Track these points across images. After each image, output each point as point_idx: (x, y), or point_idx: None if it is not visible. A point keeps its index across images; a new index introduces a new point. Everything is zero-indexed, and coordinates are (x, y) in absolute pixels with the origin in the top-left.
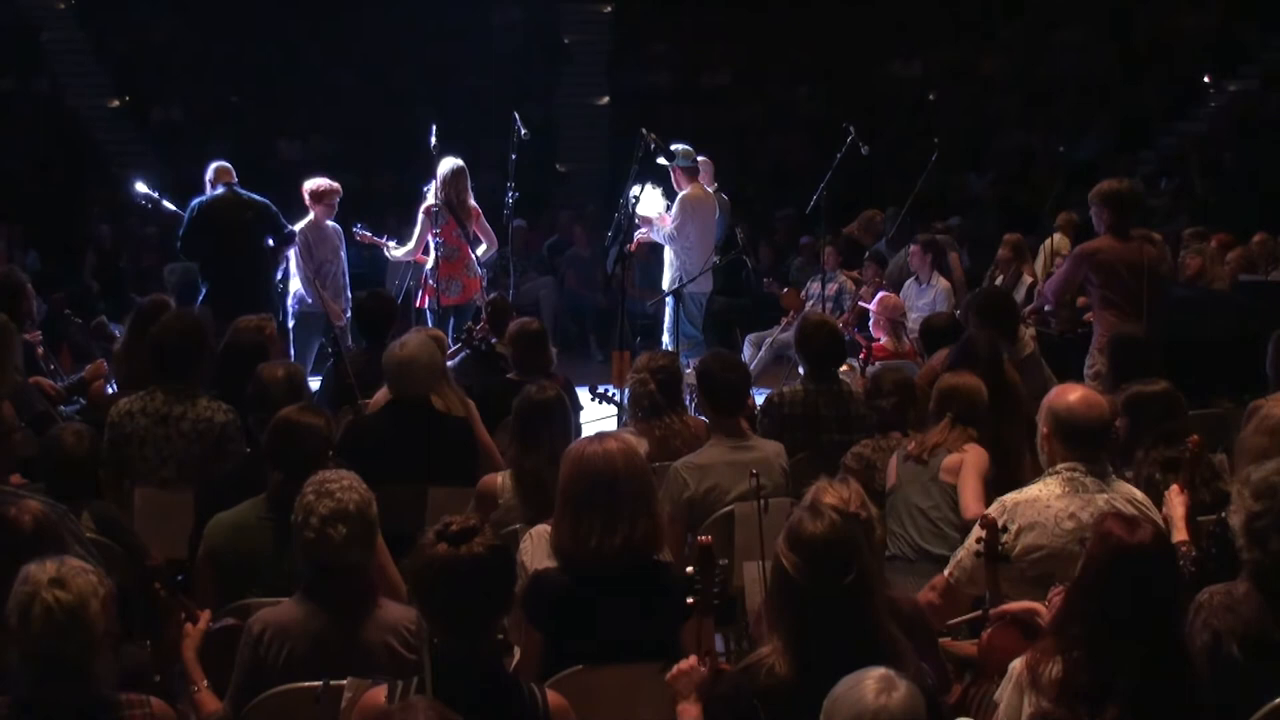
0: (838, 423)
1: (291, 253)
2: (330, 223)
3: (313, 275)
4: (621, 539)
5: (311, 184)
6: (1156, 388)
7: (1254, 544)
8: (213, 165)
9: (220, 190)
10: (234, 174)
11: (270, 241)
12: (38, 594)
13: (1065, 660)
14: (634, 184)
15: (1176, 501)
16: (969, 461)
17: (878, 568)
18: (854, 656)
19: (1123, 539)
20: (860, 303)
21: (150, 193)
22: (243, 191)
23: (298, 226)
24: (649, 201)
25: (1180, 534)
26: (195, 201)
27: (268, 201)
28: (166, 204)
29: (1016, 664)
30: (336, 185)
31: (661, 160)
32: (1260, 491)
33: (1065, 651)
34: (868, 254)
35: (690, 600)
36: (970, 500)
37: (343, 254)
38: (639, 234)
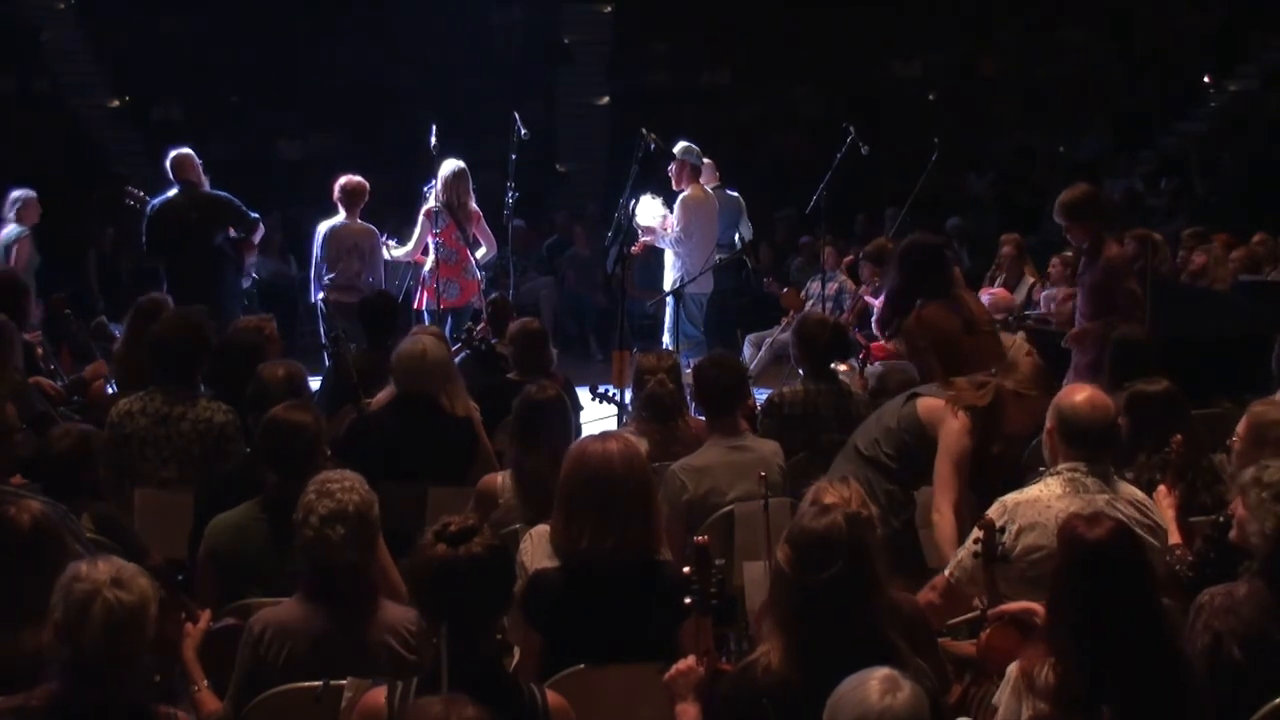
0: (838, 422)
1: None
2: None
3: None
4: (614, 542)
5: (340, 181)
6: (1158, 387)
7: None
8: (171, 155)
9: (172, 192)
10: (193, 163)
11: (232, 233)
12: (99, 592)
13: (1057, 664)
14: (632, 189)
15: (1165, 503)
16: (948, 435)
17: (880, 567)
18: (849, 653)
19: (1084, 536)
20: (866, 298)
21: (137, 192)
22: (199, 188)
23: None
24: (646, 210)
25: (1173, 537)
26: (149, 206)
27: (221, 195)
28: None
29: (1012, 668)
30: (361, 184)
31: (675, 150)
32: None
33: (1056, 655)
34: (863, 254)
35: (687, 600)
36: (938, 495)
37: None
38: (644, 239)
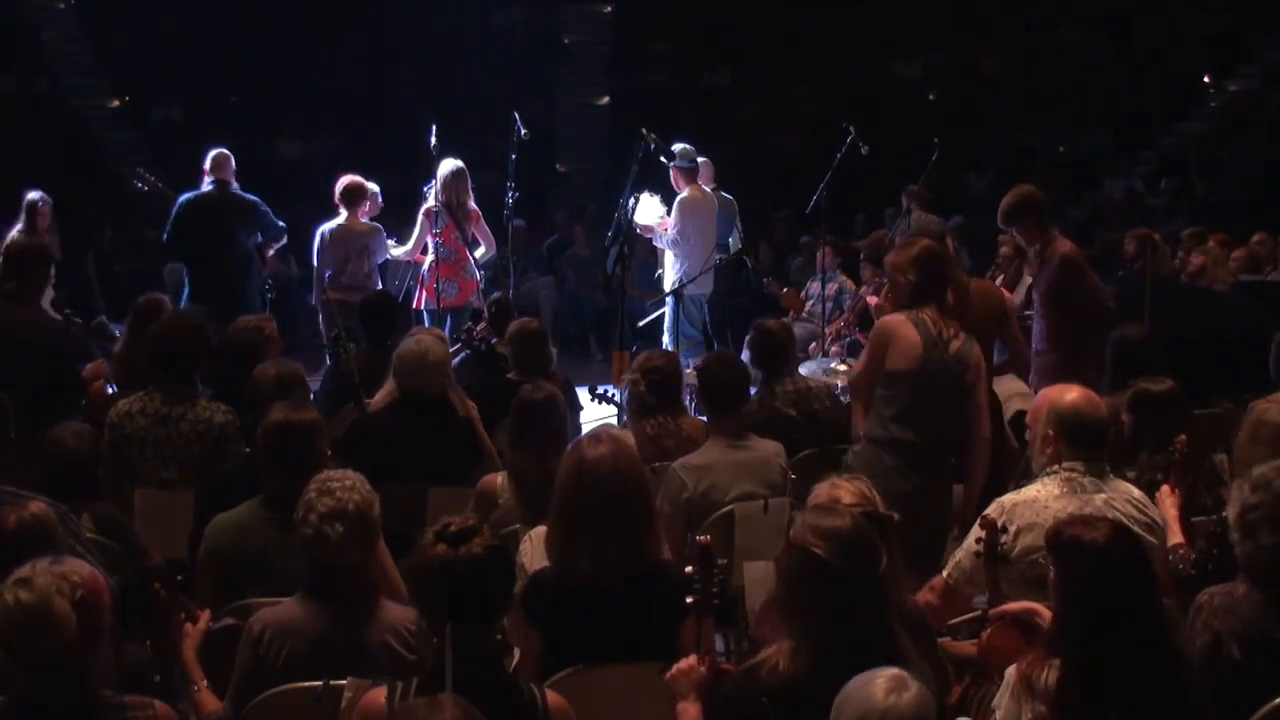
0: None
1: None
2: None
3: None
4: (612, 559)
5: (341, 183)
6: (1162, 387)
7: (1245, 535)
8: (211, 154)
9: (207, 188)
10: (231, 164)
11: (260, 238)
12: (2, 594)
13: (1060, 667)
14: (632, 189)
15: (1168, 503)
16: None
17: (893, 567)
18: (866, 655)
19: (1081, 539)
20: (866, 298)
21: (148, 175)
22: (233, 188)
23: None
24: (646, 210)
25: (1175, 536)
26: (181, 198)
27: (254, 200)
28: (163, 187)
29: (1011, 672)
30: (364, 185)
31: (663, 159)
32: (1257, 485)
33: (1056, 659)
34: (863, 254)
35: (690, 600)
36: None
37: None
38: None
